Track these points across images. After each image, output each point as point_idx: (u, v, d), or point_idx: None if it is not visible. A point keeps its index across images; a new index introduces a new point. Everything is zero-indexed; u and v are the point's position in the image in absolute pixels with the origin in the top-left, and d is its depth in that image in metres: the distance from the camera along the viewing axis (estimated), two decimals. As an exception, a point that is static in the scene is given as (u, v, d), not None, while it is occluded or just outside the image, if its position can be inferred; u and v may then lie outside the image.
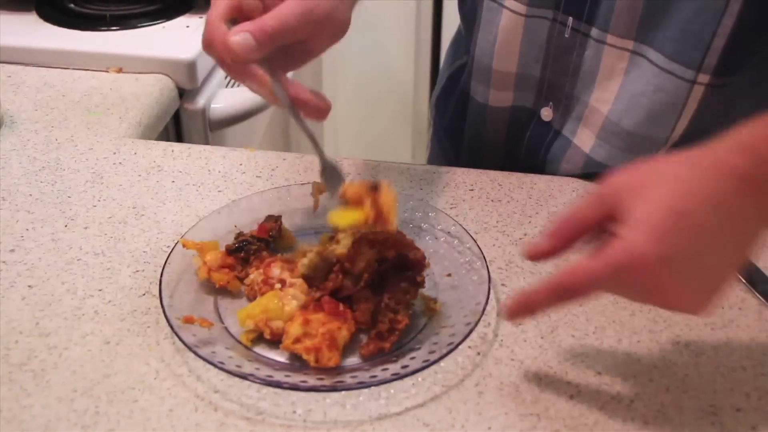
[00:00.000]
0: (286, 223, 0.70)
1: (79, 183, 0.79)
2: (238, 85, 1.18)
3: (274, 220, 0.70)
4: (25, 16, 1.14)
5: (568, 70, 0.78)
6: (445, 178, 0.81)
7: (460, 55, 0.94)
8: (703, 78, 0.70)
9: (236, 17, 0.61)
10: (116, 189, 0.78)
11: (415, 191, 0.78)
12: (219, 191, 0.78)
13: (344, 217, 0.60)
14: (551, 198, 0.78)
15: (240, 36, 0.59)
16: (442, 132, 0.99)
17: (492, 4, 0.80)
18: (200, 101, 1.05)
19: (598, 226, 0.53)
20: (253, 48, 0.59)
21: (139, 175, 0.80)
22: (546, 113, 0.83)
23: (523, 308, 0.54)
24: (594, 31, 0.74)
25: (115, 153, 0.84)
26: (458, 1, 0.90)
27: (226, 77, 1.12)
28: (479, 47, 0.83)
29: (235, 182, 0.80)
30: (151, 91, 0.98)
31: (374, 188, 0.61)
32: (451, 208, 0.76)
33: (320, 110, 0.64)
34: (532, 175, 0.82)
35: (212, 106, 1.07)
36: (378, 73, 2.14)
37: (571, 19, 0.75)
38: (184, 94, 1.04)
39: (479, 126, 0.88)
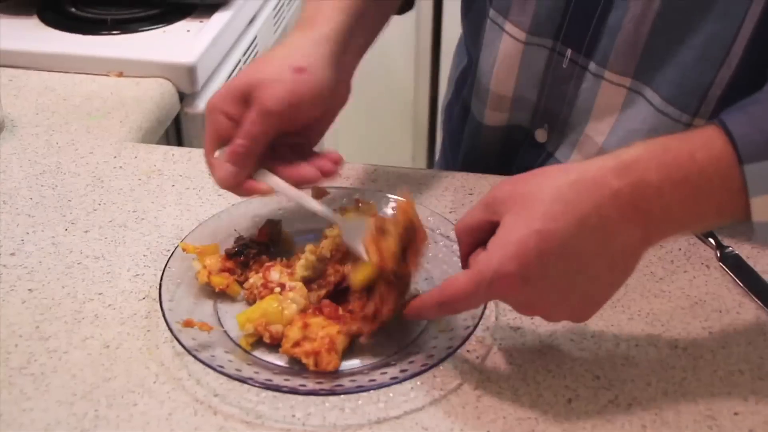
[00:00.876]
0: (286, 227, 0.70)
1: (80, 187, 0.79)
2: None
3: (274, 224, 0.70)
4: (27, 20, 1.14)
5: (564, 99, 0.77)
6: (444, 182, 0.81)
7: (462, 58, 0.94)
8: (699, 123, 0.69)
9: (223, 144, 0.64)
10: (116, 193, 0.78)
11: (415, 195, 0.78)
12: (219, 195, 0.78)
13: (359, 273, 0.59)
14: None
15: (223, 170, 0.63)
16: (447, 138, 0.99)
17: (494, 26, 0.79)
18: (201, 105, 1.05)
19: (491, 229, 0.54)
20: (237, 173, 0.63)
21: (140, 179, 0.81)
22: (540, 135, 0.82)
23: (416, 316, 0.58)
24: (592, 65, 0.73)
25: (115, 157, 0.84)
26: (462, 8, 0.89)
27: (226, 80, 1.12)
28: (480, 66, 0.83)
29: (235, 186, 0.80)
30: (152, 95, 0.98)
31: (381, 231, 0.60)
32: (450, 212, 0.76)
33: (329, 173, 0.65)
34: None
35: (212, 109, 1.07)
36: (378, 76, 2.13)
37: (569, 50, 0.75)
38: (185, 98, 1.05)
39: (475, 140, 0.88)
